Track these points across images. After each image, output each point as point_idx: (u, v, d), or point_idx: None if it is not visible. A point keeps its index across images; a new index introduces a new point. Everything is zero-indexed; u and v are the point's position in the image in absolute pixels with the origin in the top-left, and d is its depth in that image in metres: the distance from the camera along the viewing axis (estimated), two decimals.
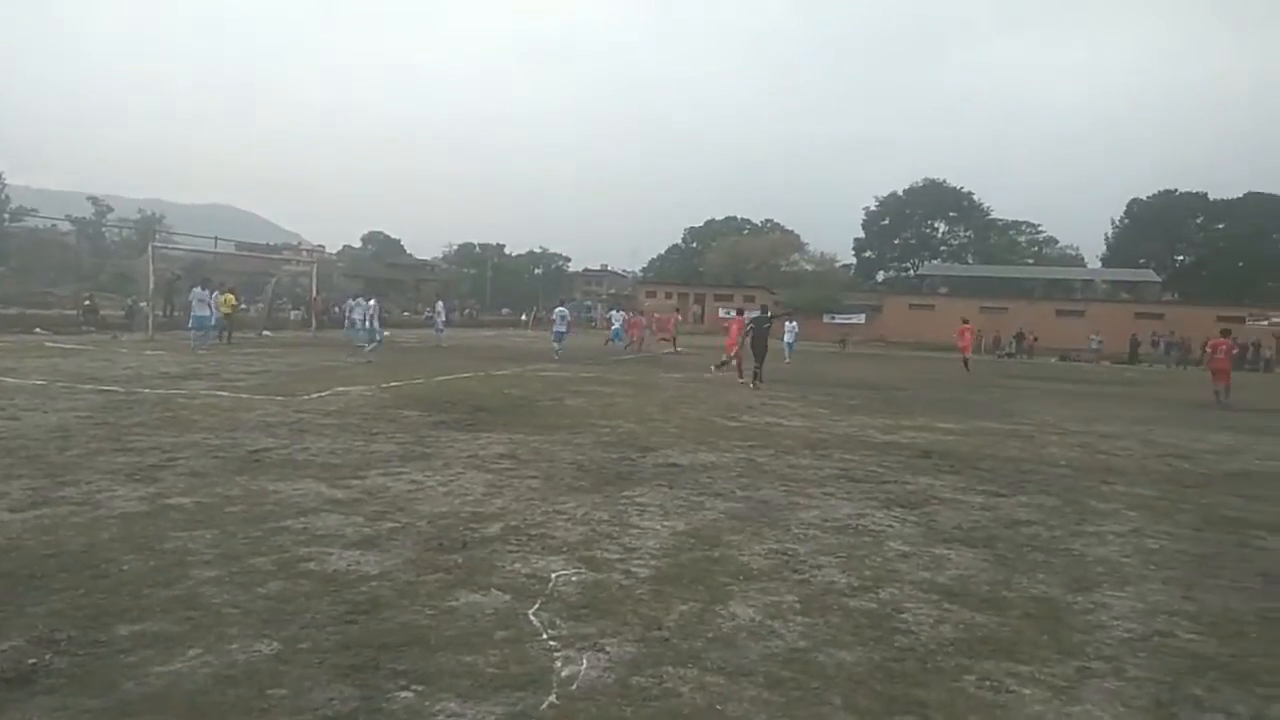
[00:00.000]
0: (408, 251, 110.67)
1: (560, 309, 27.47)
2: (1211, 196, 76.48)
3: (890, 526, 6.26)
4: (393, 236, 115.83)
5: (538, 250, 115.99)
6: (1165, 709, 3.42)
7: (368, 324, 24.69)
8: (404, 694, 3.20)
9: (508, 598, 4.30)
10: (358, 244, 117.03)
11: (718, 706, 3.22)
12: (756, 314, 20.02)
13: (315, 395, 12.63)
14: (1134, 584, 5.09)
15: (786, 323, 30.03)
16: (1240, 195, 74.93)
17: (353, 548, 5.03)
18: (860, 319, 60.20)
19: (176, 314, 34.35)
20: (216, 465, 7.25)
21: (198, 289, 23.20)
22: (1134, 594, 4.89)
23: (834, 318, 60.89)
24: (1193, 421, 15.36)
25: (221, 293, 24.93)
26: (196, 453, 7.75)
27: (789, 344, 29.36)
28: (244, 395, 12.30)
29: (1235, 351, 23.78)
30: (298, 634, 3.72)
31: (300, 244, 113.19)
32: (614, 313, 35.67)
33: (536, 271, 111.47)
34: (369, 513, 5.85)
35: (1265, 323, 50.64)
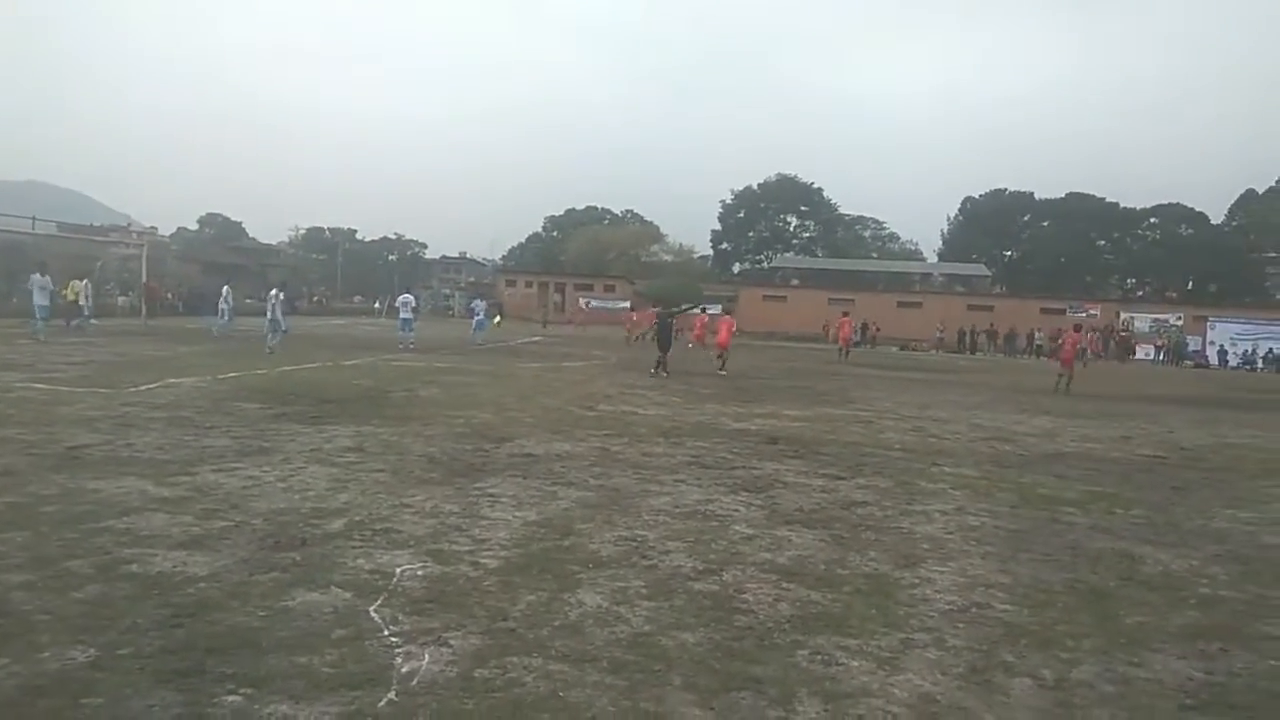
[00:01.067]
0: (250, 235, 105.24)
1: (405, 296, 26.37)
2: (1038, 196, 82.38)
3: (736, 511, 6.46)
4: (234, 219, 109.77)
5: (392, 236, 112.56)
6: (979, 674, 3.68)
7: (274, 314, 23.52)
8: (231, 698, 3.06)
9: (348, 595, 4.17)
10: (194, 226, 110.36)
11: (560, 694, 3.24)
12: (659, 311, 21.60)
13: (144, 387, 11.84)
14: (956, 559, 5.45)
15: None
16: (1063, 195, 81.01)
17: (179, 548, 4.75)
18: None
19: None
20: (30, 463, 6.70)
21: (36, 275, 21.42)
22: (955, 568, 5.24)
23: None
24: (1016, 406, 16.55)
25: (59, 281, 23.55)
26: (8, 449, 7.14)
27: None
28: (64, 388, 11.39)
29: (1081, 346, 25.83)
30: (117, 640, 3.49)
31: (130, 225, 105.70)
32: (476, 302, 34.95)
33: (391, 258, 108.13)
34: (199, 511, 5.54)
35: (1084, 314, 55.13)
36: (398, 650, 3.56)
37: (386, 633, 3.74)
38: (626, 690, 3.31)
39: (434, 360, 20.11)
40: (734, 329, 21.08)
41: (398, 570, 4.58)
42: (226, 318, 25.79)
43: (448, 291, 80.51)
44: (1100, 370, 33.60)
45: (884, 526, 6.21)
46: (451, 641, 3.67)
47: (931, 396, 17.89)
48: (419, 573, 4.57)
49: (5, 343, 18.57)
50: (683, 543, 5.47)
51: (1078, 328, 22.22)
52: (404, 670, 3.37)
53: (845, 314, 32.32)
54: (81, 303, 25.58)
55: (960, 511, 6.83)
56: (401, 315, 25.24)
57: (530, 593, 4.35)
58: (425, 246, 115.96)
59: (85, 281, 26.63)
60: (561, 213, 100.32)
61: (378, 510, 5.84)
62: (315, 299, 67.84)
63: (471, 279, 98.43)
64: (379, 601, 4.10)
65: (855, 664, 3.69)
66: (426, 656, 3.50)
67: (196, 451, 7.50)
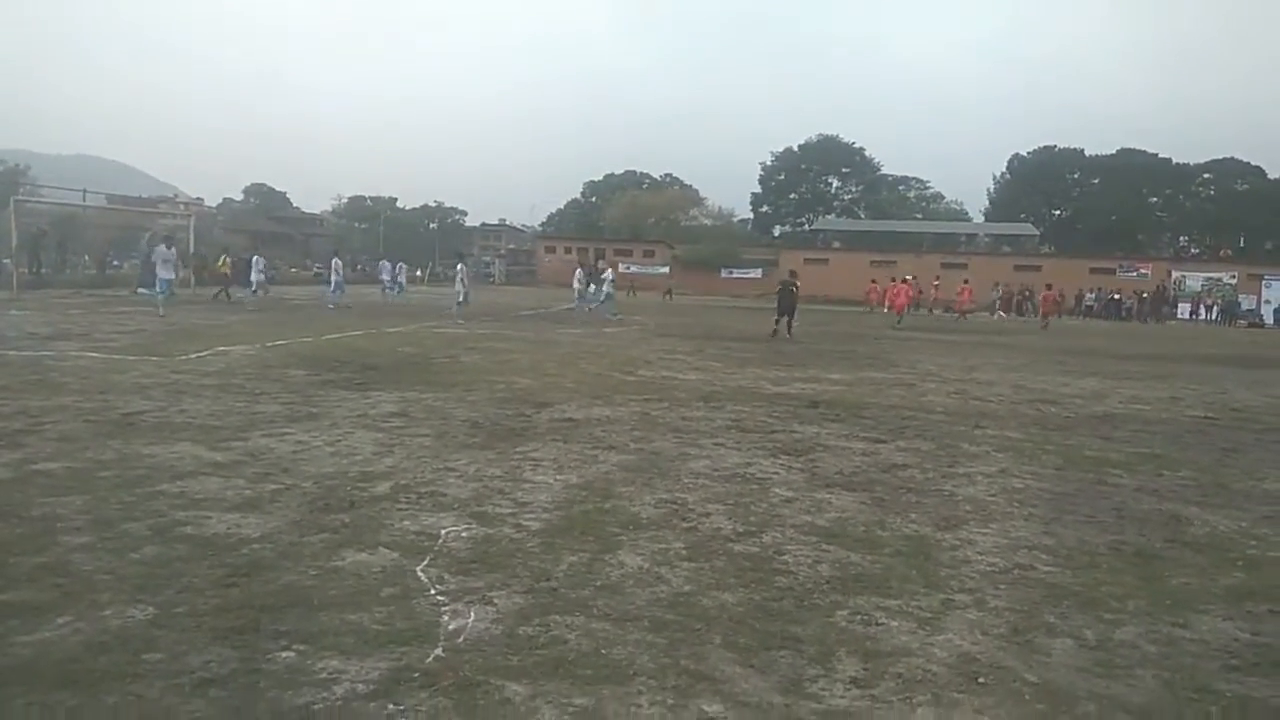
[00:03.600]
0: (294, 205, 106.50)
1: (335, 260, 26.83)
2: (1088, 153, 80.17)
3: (776, 474, 6.47)
4: (278, 189, 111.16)
5: (432, 204, 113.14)
6: (1020, 635, 3.67)
7: (397, 279, 24.77)
8: (285, 654, 3.16)
9: (395, 555, 4.28)
10: (239, 197, 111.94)
11: (602, 651, 3.30)
12: (784, 279, 23.24)
13: (194, 355, 12.12)
14: (998, 521, 5.42)
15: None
16: (1114, 151, 78.78)
17: (233, 510, 4.90)
18: (758, 273, 61.22)
19: (44, 271, 32.28)
20: (87, 429, 6.91)
21: (161, 247, 21.14)
22: (998, 530, 5.21)
23: (731, 272, 61.72)
24: (1062, 368, 16.28)
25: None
26: (65, 416, 7.38)
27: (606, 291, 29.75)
28: (117, 356, 11.70)
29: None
30: (174, 599, 3.63)
31: (177, 196, 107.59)
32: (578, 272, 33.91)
33: (432, 226, 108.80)
34: (250, 475, 5.70)
35: (1135, 274, 53.88)
36: (444, 608, 3.65)
37: (433, 591, 3.83)
38: (667, 648, 3.36)
39: (475, 327, 20.28)
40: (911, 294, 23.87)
41: (443, 532, 4.67)
42: (254, 289, 26.68)
43: (489, 259, 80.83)
44: (1146, 330, 32.88)
45: (925, 489, 6.18)
46: (496, 600, 3.75)
47: (976, 359, 17.66)
48: (463, 534, 4.66)
49: (155, 316, 19.06)
50: (723, 505, 5.50)
51: (1049, 286, 29.28)
52: (450, 627, 3.46)
53: (905, 279, 33.10)
54: (254, 277, 26.63)
55: (1003, 474, 6.77)
56: (333, 278, 24.94)
57: (572, 554, 4.42)
58: (465, 214, 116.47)
59: (256, 256, 27.90)
60: (600, 178, 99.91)
61: (423, 474, 5.95)
62: (359, 267, 68.47)
63: (512, 245, 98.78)
64: (425, 561, 4.20)
65: (895, 624, 3.71)
66: (472, 614, 3.59)
67: (247, 417, 7.69)
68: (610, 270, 29.48)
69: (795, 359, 15.84)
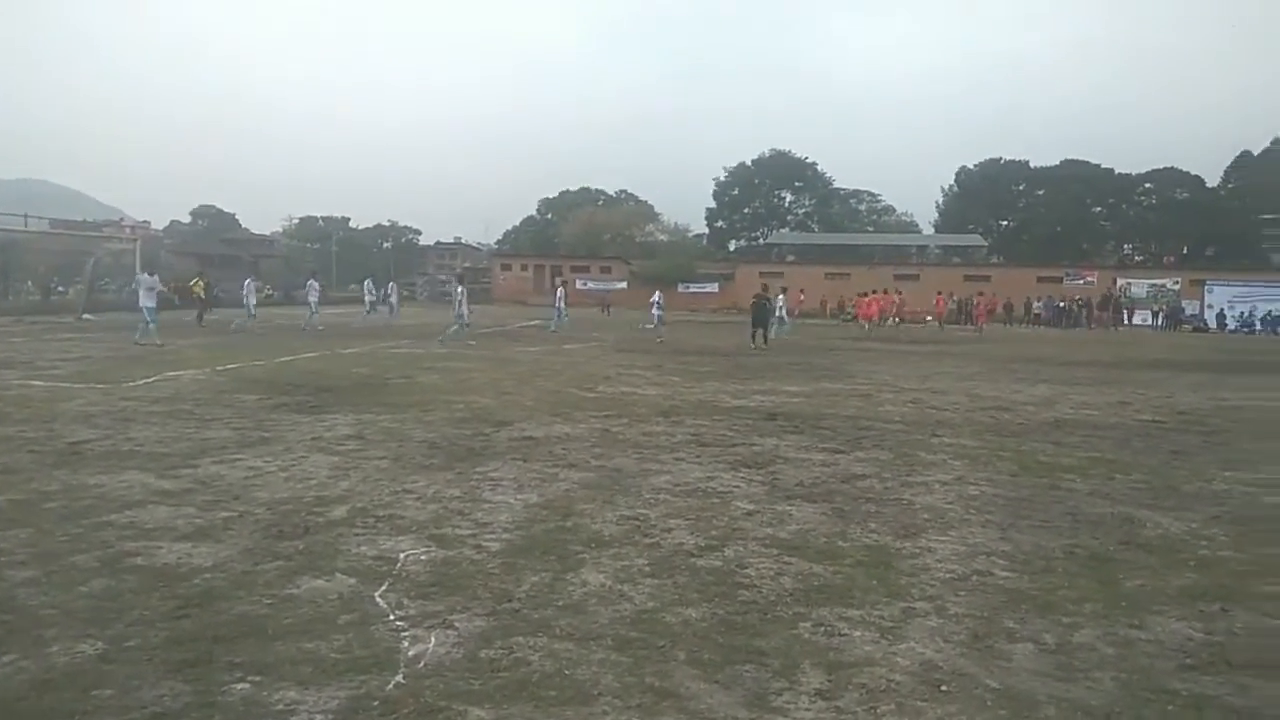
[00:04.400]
0: (244, 226, 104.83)
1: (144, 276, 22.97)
2: (1033, 164, 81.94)
3: (737, 487, 6.48)
4: (226, 210, 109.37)
5: (386, 224, 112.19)
6: (981, 641, 3.71)
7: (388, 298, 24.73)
8: (240, 685, 3.08)
9: (353, 581, 4.20)
10: (187, 219, 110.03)
11: (566, 671, 3.27)
12: (757, 293, 24.66)
13: (142, 381, 11.84)
14: (956, 528, 5.48)
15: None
16: (1057, 162, 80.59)
17: (184, 540, 4.77)
18: (714, 288, 61.56)
19: None
20: (31, 460, 6.72)
21: (144, 275, 20.11)
22: (956, 537, 5.27)
23: (689, 287, 61.97)
24: (1014, 376, 16.57)
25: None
26: (8, 447, 7.16)
27: (781, 318, 29.41)
28: (62, 384, 11.39)
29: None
30: (124, 632, 3.52)
31: (123, 220, 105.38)
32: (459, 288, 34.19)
33: (385, 245, 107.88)
34: (201, 503, 5.57)
35: (1081, 281, 55.10)
36: (404, 634, 3.59)
37: (392, 617, 3.76)
38: (631, 666, 3.34)
39: (432, 347, 20.09)
40: (884, 305, 31.27)
41: (401, 555, 4.60)
42: (251, 313, 26.08)
43: (444, 278, 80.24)
44: (1093, 337, 33.66)
45: (884, 498, 6.23)
46: (457, 624, 3.70)
47: (930, 368, 17.90)
48: (422, 557, 4.60)
49: (38, 338, 18.52)
50: (684, 520, 5.49)
51: (980, 293, 32.14)
52: (410, 653, 3.40)
53: (885, 291, 35.23)
54: (247, 301, 25.91)
55: (960, 481, 6.86)
56: (143, 303, 22.43)
57: (534, 574, 4.38)
58: (420, 232, 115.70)
59: (250, 280, 27.27)
60: (555, 194, 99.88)
61: (380, 497, 5.86)
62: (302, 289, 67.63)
63: (467, 264, 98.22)
64: (384, 587, 4.13)
65: (858, 634, 3.72)
66: (432, 639, 3.53)
67: (197, 444, 7.52)
68: (562, 289, 29.78)
69: (753, 372, 15.93)
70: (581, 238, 79.46)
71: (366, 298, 32.62)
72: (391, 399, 10.74)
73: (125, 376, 12.34)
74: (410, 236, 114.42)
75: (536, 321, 32.22)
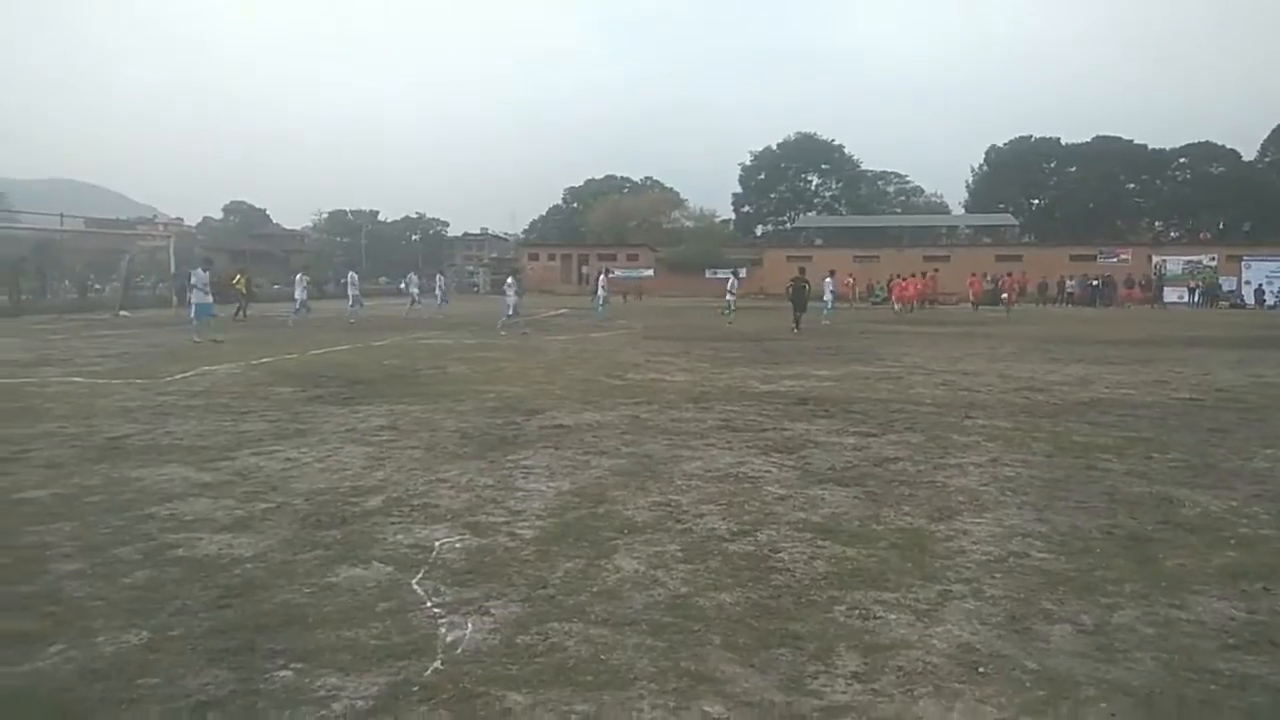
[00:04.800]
0: (274, 221, 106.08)
1: (509, 279, 25.02)
2: (1064, 141, 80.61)
3: (769, 472, 6.47)
4: (257, 206, 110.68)
5: (414, 216, 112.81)
6: (1019, 623, 3.68)
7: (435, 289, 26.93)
8: (282, 673, 3.14)
9: (390, 569, 4.25)
10: (219, 215, 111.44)
11: (602, 656, 3.29)
12: (795, 276, 25.21)
13: (179, 376, 12.04)
14: (991, 510, 5.43)
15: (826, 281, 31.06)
16: (1089, 139, 79.25)
17: (224, 531, 4.86)
18: (730, 274, 61.22)
19: (24, 298, 32.04)
20: (73, 455, 6.86)
21: (199, 270, 19.63)
22: (991, 519, 5.22)
23: (716, 273, 61.79)
24: (1047, 355, 16.36)
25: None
26: (51, 443, 7.31)
27: (827, 301, 30.14)
28: (101, 380, 11.62)
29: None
30: (168, 622, 3.59)
31: (155, 217, 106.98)
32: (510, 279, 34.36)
33: (414, 238, 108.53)
34: (240, 494, 5.66)
35: (1115, 259, 54.26)
36: (441, 620, 3.63)
37: (429, 604, 3.81)
38: (666, 651, 3.35)
39: (462, 337, 20.24)
40: (921, 287, 33.90)
41: (437, 544, 4.65)
42: (299, 307, 26.30)
43: (472, 268, 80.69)
44: (1130, 315, 33.12)
45: (917, 481, 6.19)
46: (493, 610, 3.74)
47: (961, 350, 17.73)
48: (458, 545, 4.64)
49: (77, 335, 18.89)
50: (716, 505, 5.50)
51: (1008, 274, 32.37)
52: (448, 639, 3.44)
53: (924, 274, 37.82)
54: (297, 295, 26.15)
55: (994, 463, 6.79)
56: (351, 292, 23.57)
57: (568, 560, 4.41)
58: (447, 224, 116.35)
59: (300, 274, 27.59)
60: (581, 183, 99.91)
61: (414, 486, 5.92)
62: (342, 282, 68.14)
63: (494, 254, 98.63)
64: (420, 574, 4.18)
65: (893, 617, 3.71)
66: (469, 625, 3.57)
67: (234, 436, 7.64)
68: (602, 276, 30.01)
69: (782, 356, 15.87)
70: (608, 225, 79.49)
71: (411, 289, 31.54)
72: (423, 389, 10.83)
73: (162, 372, 12.55)
74: (438, 228, 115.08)
75: (565, 310, 32.29)
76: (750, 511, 5.37)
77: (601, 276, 29.88)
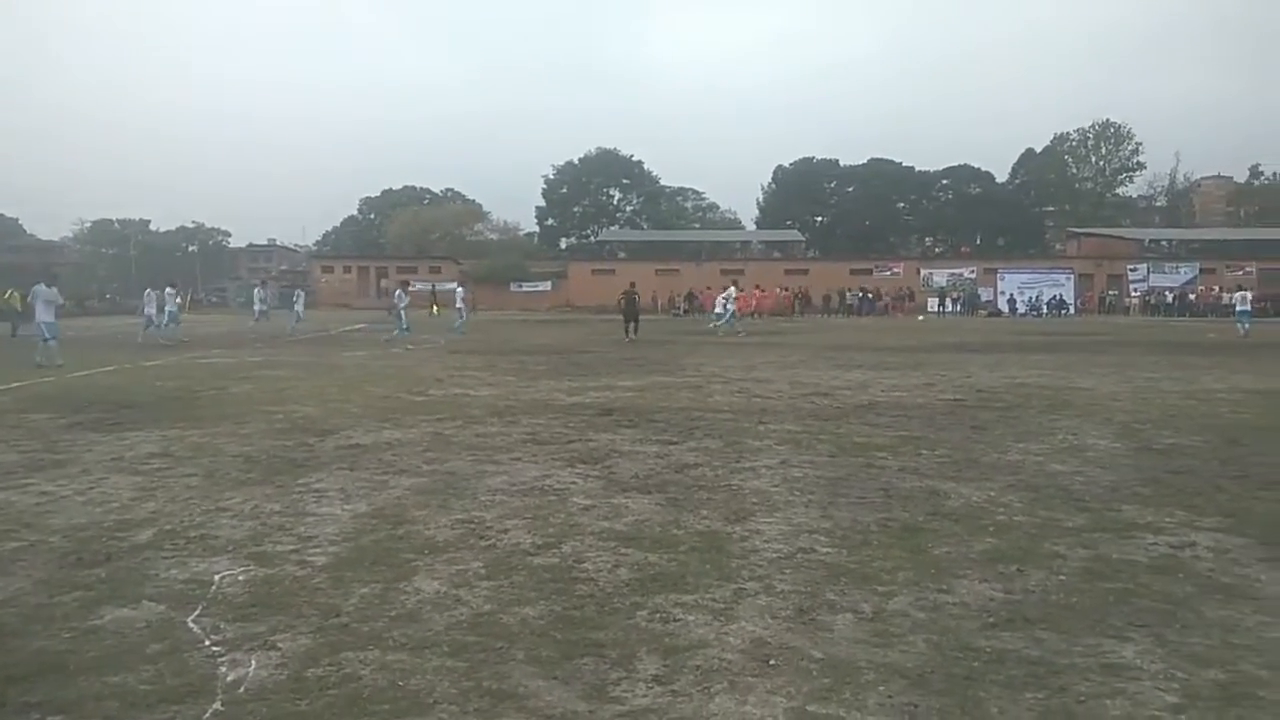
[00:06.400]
0: (29, 232, 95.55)
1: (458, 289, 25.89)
2: (842, 163, 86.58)
3: (574, 483, 6.51)
4: (8, 215, 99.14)
5: (191, 225, 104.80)
6: (806, 615, 3.90)
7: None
8: None
9: (162, 608, 3.92)
10: None
11: (400, 683, 3.18)
12: (626, 290, 26.58)
13: None
14: (782, 510, 5.72)
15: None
16: (864, 161, 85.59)
17: None
18: (547, 286, 61.46)
19: None
20: None
21: (41, 286, 17.54)
22: (781, 518, 5.50)
23: (521, 286, 61.60)
24: (831, 363, 17.48)
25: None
26: None
27: (726, 313, 30.25)
28: None
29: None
30: None
31: None
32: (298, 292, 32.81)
33: (191, 249, 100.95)
34: None
35: (889, 273, 58.87)
36: (221, 659, 3.38)
37: (208, 642, 3.54)
38: (468, 671, 3.28)
39: (246, 355, 19.01)
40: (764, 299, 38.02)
41: (216, 577, 4.33)
42: (167, 321, 24.35)
43: (257, 282, 76.10)
44: (900, 324, 36.03)
45: (715, 485, 6.43)
46: (280, 644, 3.52)
47: (756, 359, 18.59)
48: (240, 577, 4.34)
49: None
50: (521, 520, 5.46)
51: (735, 282, 32.12)
52: (229, 679, 3.20)
53: (758, 287, 39.87)
54: (148, 311, 23.75)
55: (784, 465, 7.17)
56: (41, 317, 19.84)
57: (363, 585, 4.23)
58: (229, 235, 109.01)
59: (168, 289, 25.18)
60: (378, 194, 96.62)
61: (191, 517, 5.48)
62: (107, 296, 62.35)
63: (284, 266, 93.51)
64: (197, 611, 3.87)
65: (692, 618, 3.82)
66: (253, 662, 3.34)
67: None
68: (731, 289, 30.91)
69: (589, 368, 16.03)
70: (408, 237, 77.37)
71: (148, 309, 25.49)
72: (202, 412, 10.07)
73: None
74: (219, 239, 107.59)
75: (362, 325, 31.05)
76: (555, 524, 5.37)
77: (461, 289, 29.26)
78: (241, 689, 3.13)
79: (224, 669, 3.29)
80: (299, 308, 29.29)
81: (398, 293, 25.67)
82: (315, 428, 8.95)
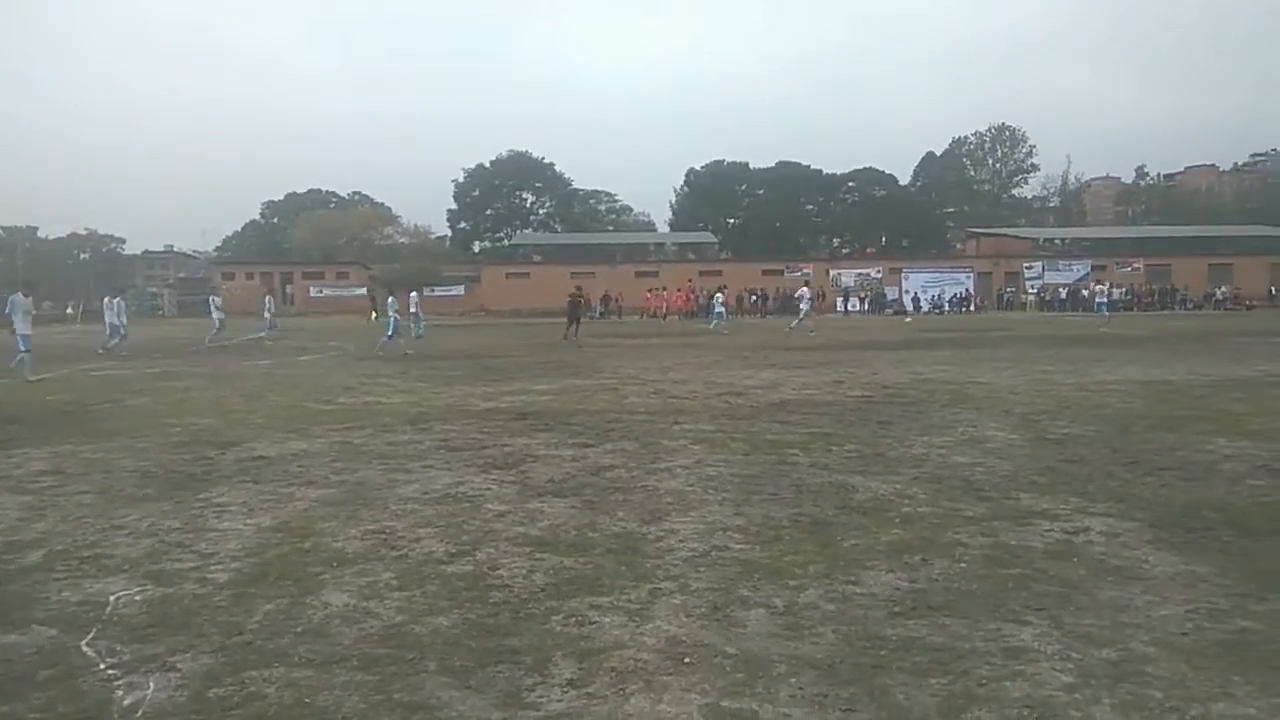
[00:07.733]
0: None
1: (394, 297, 23.77)
2: (752, 165, 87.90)
3: (489, 489, 6.44)
4: None
5: (83, 232, 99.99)
6: (720, 611, 3.95)
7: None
8: None
9: (54, 632, 3.73)
10: None
11: (306, 700, 3.09)
12: (572, 292, 27.34)
13: None
14: (697, 509, 5.78)
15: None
16: (774, 164, 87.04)
17: None
18: (460, 290, 60.67)
19: None
20: None
21: (19, 295, 16.77)
22: (696, 517, 5.56)
23: (434, 290, 60.64)
24: (744, 362, 17.74)
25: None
26: None
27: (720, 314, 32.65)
28: None
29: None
30: None
31: None
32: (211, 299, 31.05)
33: (83, 256, 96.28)
34: None
35: (799, 274, 60.06)
36: (117, 683, 3.23)
37: (103, 666, 3.38)
38: (378, 684, 3.22)
39: (144, 366, 18.22)
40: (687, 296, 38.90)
41: (111, 598, 4.14)
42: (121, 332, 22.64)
43: (155, 290, 73.01)
44: (810, 324, 36.87)
45: (631, 487, 6.45)
46: (179, 665, 3.39)
47: (672, 359, 18.73)
48: (137, 597, 4.16)
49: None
50: (434, 528, 5.38)
51: (652, 289, 36.21)
52: (126, 703, 3.07)
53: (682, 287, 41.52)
54: (114, 320, 22.11)
55: (699, 464, 7.24)
56: (19, 329, 18.59)
57: (268, 601, 4.10)
58: (124, 241, 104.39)
59: (117, 298, 23.35)
60: (281, 197, 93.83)
61: (83, 536, 5.23)
62: (96, 307, 58.73)
63: (182, 274, 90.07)
64: (91, 634, 3.69)
65: (607, 620, 3.83)
66: (151, 684, 3.21)
67: None
68: (720, 294, 33.06)
69: (503, 373, 15.89)
70: (313, 242, 75.35)
71: (109, 318, 23.59)
72: (95, 426, 9.61)
73: None
74: (113, 245, 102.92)
75: (263, 334, 30.01)
76: (469, 531, 5.31)
77: (415, 295, 27.95)
78: (139, 713, 3.00)
79: (120, 693, 3.15)
80: (218, 315, 27.74)
81: (390, 299, 24.67)
82: (216, 440, 8.64)
